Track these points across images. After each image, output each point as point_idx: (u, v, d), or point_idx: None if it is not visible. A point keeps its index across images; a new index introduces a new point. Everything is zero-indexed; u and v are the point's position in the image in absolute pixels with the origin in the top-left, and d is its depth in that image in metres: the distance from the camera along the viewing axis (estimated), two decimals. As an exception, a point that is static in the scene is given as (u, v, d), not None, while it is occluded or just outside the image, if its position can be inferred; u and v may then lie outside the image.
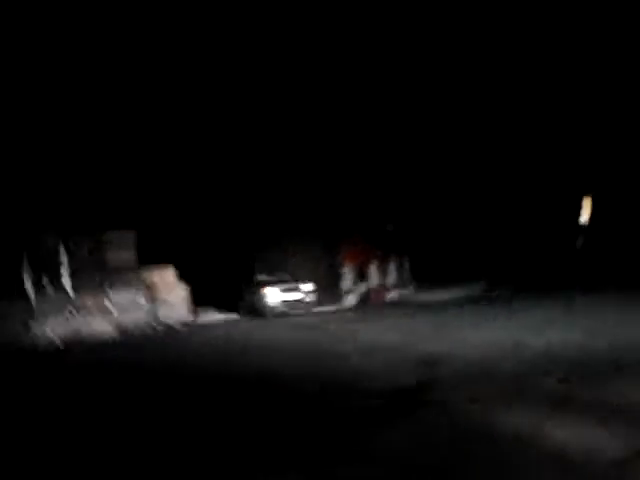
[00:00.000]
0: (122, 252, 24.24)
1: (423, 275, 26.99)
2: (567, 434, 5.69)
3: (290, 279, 24.77)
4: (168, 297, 24.39)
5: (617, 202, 27.10)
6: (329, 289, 25.71)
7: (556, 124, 28.00)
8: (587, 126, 27.28)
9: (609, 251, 26.13)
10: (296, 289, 23.99)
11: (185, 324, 23.94)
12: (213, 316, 25.26)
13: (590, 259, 26.58)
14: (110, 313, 23.49)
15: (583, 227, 28.13)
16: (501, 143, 28.53)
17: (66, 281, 23.50)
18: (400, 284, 27.23)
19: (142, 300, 24.03)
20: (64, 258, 23.58)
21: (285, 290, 23.86)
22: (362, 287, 26.44)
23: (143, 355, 16.96)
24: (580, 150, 27.47)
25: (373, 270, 26.67)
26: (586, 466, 4.86)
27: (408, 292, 27.21)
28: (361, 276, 26.55)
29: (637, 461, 4.90)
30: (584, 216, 27.71)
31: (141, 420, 8.16)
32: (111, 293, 23.76)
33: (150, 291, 24.26)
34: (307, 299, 23.99)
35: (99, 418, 8.58)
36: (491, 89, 27.99)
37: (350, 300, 26.14)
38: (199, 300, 24.98)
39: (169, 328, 23.63)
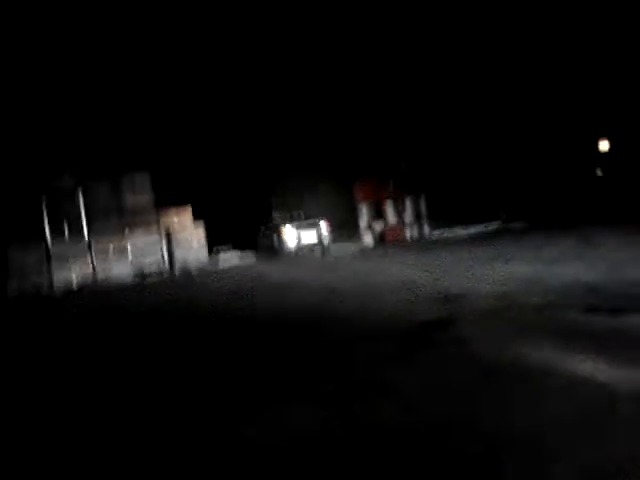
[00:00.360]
0: (139, 195, 23.96)
1: (439, 213, 26.47)
2: (583, 366, 5.32)
3: (307, 219, 24.48)
4: (185, 239, 24.15)
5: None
6: (346, 228, 25.36)
7: (572, 56, 27.05)
8: (606, 60, 26.29)
9: (632, 182, 25.31)
10: (313, 229, 23.65)
11: (202, 265, 23.78)
12: (231, 256, 25.04)
13: (611, 190, 25.91)
14: (127, 257, 23.35)
15: (602, 156, 27.41)
16: (516, 75, 27.67)
17: (84, 225, 23.30)
18: (417, 222, 26.78)
19: (159, 243, 23.85)
20: (82, 202, 23.35)
21: (302, 230, 23.53)
22: (379, 226, 26.04)
23: (153, 296, 16.82)
24: (599, 85, 26.54)
25: (389, 208, 26.21)
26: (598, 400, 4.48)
27: (425, 230, 26.78)
28: (378, 215, 26.13)
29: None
30: (604, 145, 26.99)
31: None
32: (129, 236, 23.60)
33: (167, 233, 24.05)
34: (324, 238, 23.66)
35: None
36: (510, 22, 27.10)
37: (367, 239, 25.79)
38: (217, 239, 24.75)
39: (186, 270, 23.48)
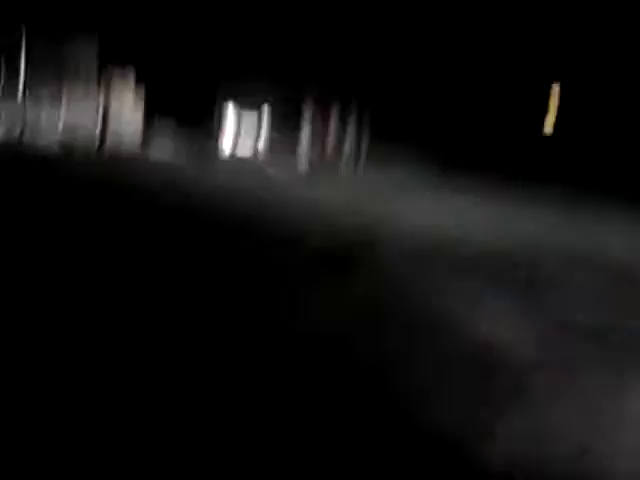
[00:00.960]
0: (83, 49, 22.86)
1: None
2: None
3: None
4: (121, 112, 23.27)
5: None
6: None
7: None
8: None
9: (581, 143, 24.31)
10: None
11: (133, 143, 22.96)
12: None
13: (557, 149, 25.24)
14: (59, 122, 22.31)
15: (552, 110, 26.73)
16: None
17: (21, 68, 21.99)
18: (359, 143, 26.34)
19: (95, 113, 22.78)
20: (23, 43, 21.93)
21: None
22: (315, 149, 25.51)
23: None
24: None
25: (332, 125, 25.67)
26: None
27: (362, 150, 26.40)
28: (322, 133, 25.56)
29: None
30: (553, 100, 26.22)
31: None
32: (65, 101, 22.42)
33: (104, 101, 23.11)
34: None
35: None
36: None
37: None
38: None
39: (115, 144, 22.52)
